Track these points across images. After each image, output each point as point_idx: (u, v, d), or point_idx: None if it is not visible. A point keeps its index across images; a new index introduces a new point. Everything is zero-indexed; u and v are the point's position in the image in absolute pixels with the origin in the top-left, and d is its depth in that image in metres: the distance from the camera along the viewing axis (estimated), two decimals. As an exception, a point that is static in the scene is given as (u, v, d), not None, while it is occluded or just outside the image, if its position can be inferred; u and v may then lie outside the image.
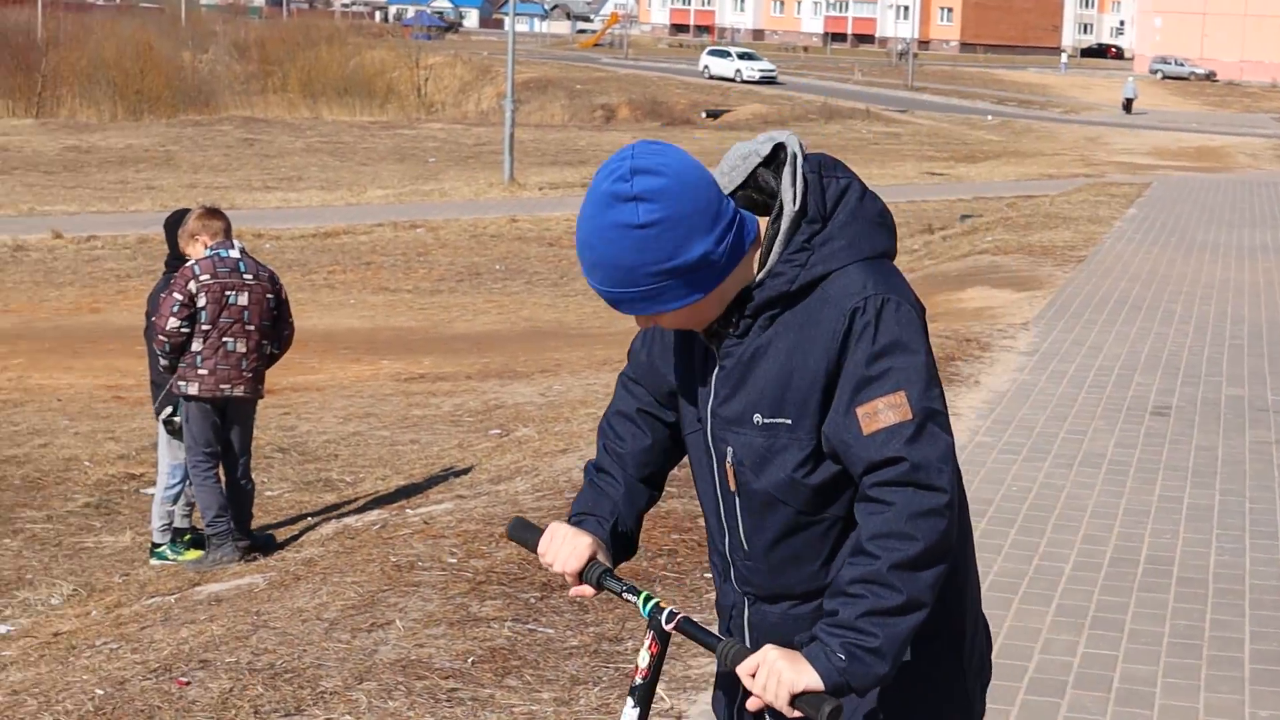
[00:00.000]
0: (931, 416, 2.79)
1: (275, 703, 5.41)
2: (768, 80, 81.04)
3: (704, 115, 66.97)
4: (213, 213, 9.30)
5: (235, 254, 9.12)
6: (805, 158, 2.89)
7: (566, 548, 3.01)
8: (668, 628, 2.87)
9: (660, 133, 55.44)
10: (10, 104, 59.44)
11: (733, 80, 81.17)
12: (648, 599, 2.91)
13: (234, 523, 9.26)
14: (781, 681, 2.70)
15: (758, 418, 2.88)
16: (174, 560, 9.47)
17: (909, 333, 2.81)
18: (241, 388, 9.20)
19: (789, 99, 71.54)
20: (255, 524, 9.78)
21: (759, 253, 2.84)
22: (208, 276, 8.96)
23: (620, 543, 3.11)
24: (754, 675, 2.74)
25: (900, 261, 23.40)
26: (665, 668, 3.33)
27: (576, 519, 3.11)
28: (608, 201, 2.69)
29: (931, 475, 2.77)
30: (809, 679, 2.70)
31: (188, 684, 5.69)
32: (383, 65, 77.22)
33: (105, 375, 17.04)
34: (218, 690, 5.58)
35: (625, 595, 2.95)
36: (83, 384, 16.62)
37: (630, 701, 2.91)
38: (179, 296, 8.90)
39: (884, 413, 2.77)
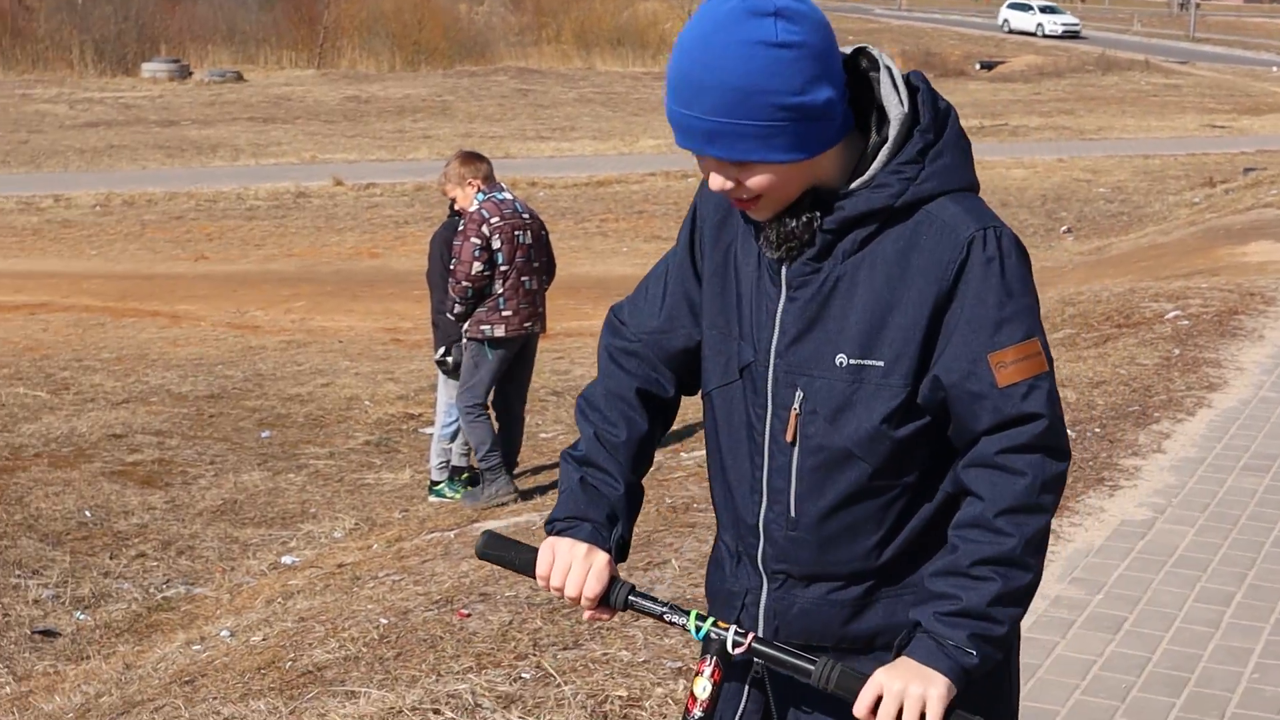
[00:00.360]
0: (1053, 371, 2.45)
1: (553, 636, 5.45)
2: (1071, 34, 78.40)
3: (977, 67, 65.72)
4: (475, 156, 9.41)
5: (508, 194, 9.22)
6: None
7: (580, 569, 2.53)
8: (737, 653, 2.43)
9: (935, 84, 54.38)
10: (293, 55, 61.22)
11: (1034, 34, 78.97)
12: (699, 618, 2.46)
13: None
14: (921, 701, 2.32)
15: (842, 359, 2.44)
16: (451, 498, 9.65)
17: (1029, 274, 2.44)
18: (540, 323, 9.39)
19: (1065, 50, 69.70)
20: (529, 464, 9.89)
21: (841, 162, 2.44)
22: (498, 219, 9.06)
23: (618, 556, 2.61)
24: (874, 708, 2.34)
25: (1180, 215, 22.78)
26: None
27: (567, 525, 2.59)
28: (739, 17, 2.29)
29: (1061, 438, 2.43)
30: (941, 687, 2.33)
31: (468, 616, 5.78)
32: (655, 17, 77.41)
33: (384, 319, 17.46)
34: (497, 623, 5.65)
35: (669, 618, 2.47)
36: (362, 326, 17.07)
37: None
38: (476, 241, 9.00)
39: (1020, 362, 2.39)
